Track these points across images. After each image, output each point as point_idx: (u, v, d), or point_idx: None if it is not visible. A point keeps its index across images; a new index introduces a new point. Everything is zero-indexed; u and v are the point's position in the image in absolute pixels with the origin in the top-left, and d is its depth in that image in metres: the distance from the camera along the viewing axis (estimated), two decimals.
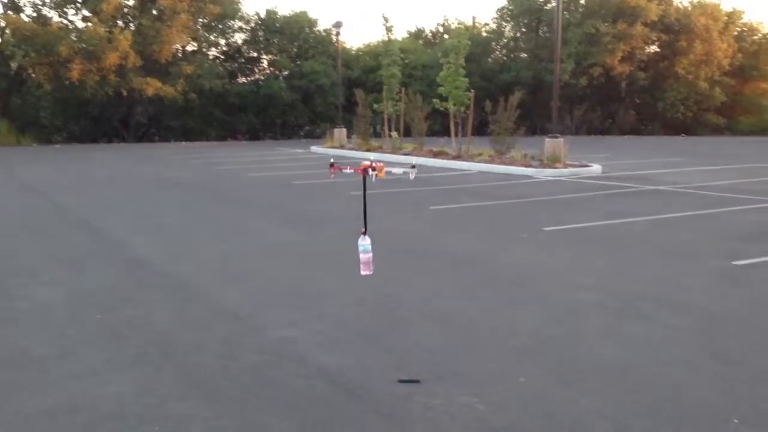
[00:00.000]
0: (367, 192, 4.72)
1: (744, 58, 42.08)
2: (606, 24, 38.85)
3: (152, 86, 31.35)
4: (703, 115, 41.75)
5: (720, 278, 6.56)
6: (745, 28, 43.74)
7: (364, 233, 4.52)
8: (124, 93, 32.32)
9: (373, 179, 4.53)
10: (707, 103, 41.10)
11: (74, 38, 30.62)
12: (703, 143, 31.67)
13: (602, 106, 43.03)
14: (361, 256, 4.50)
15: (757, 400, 3.80)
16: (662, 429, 3.46)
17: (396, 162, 19.65)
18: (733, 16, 42.64)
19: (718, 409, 3.68)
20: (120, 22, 33.27)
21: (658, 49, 42.43)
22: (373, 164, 4.48)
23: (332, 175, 5.11)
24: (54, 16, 32.86)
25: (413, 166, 4.64)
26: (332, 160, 5.15)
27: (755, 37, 43.25)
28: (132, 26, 33.19)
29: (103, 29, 30.38)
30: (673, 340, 4.80)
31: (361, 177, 4.63)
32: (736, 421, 3.54)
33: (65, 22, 32.92)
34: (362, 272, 4.60)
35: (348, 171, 4.90)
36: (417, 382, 4.04)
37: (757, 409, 3.68)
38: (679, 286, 6.26)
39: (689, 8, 41.47)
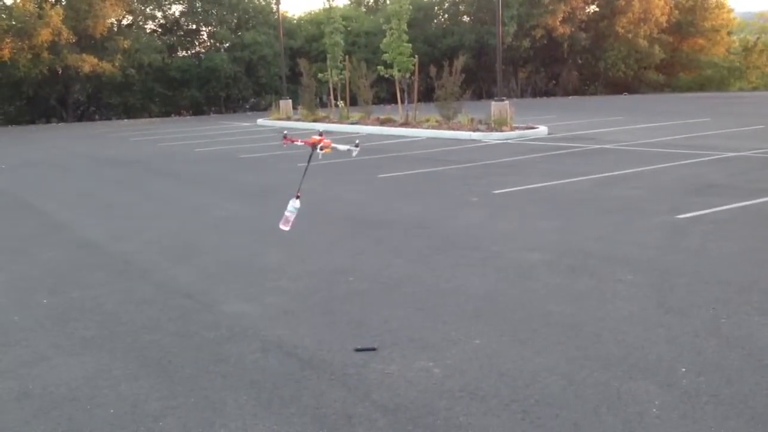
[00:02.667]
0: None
1: (680, 14, 42.72)
2: None
3: (88, 63, 30.38)
4: (643, 73, 42.43)
5: (665, 233, 6.72)
6: None
7: (298, 197, 4.74)
8: (60, 71, 31.27)
9: (320, 156, 4.71)
10: (647, 60, 41.75)
11: (3, 16, 29.44)
12: (645, 101, 32.25)
13: (546, 67, 43.34)
14: (287, 213, 4.75)
15: (702, 349, 3.92)
16: (614, 381, 3.55)
17: (345, 131, 19.60)
18: None
19: (666, 360, 3.78)
20: None
21: (597, 9, 42.86)
22: (322, 141, 4.68)
23: (285, 145, 5.34)
24: None
25: (357, 145, 4.87)
26: (285, 132, 5.36)
27: None
28: (63, 1, 32.02)
29: (32, 5, 29.26)
30: (621, 295, 4.91)
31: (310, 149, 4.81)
32: (683, 369, 3.65)
33: None
34: (280, 226, 4.82)
35: (299, 143, 5.14)
36: (373, 350, 4.06)
37: (702, 358, 3.80)
38: (626, 243, 6.40)
39: None
